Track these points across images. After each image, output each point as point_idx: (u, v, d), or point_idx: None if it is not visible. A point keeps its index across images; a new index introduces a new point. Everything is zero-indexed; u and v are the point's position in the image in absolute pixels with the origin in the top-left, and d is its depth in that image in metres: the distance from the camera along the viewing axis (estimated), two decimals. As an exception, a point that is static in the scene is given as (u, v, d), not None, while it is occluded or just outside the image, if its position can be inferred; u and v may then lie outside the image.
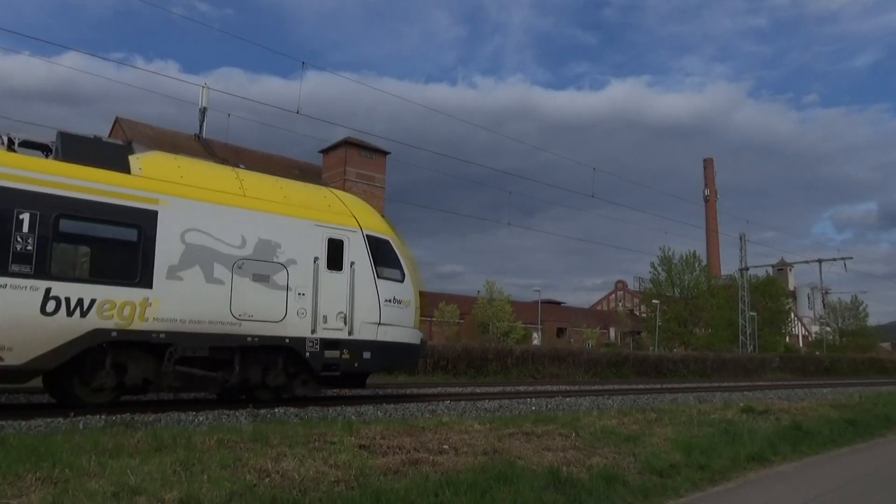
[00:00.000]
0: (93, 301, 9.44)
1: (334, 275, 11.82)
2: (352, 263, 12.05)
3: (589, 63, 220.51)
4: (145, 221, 10.07)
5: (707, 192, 56.89)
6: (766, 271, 65.59)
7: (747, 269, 53.86)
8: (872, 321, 78.56)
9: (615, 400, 14.99)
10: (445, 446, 7.00)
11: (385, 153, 47.84)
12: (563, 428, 8.67)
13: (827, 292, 73.58)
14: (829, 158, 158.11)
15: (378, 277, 12.36)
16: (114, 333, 9.61)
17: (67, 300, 9.25)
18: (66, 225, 9.55)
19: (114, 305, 9.61)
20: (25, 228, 9.09)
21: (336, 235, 12.02)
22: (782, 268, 71.99)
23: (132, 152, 10.77)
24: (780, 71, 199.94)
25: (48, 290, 9.11)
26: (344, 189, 47.02)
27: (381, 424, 8.19)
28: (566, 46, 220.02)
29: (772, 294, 62.87)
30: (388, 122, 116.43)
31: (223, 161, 39.09)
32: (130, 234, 10.03)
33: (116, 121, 42.79)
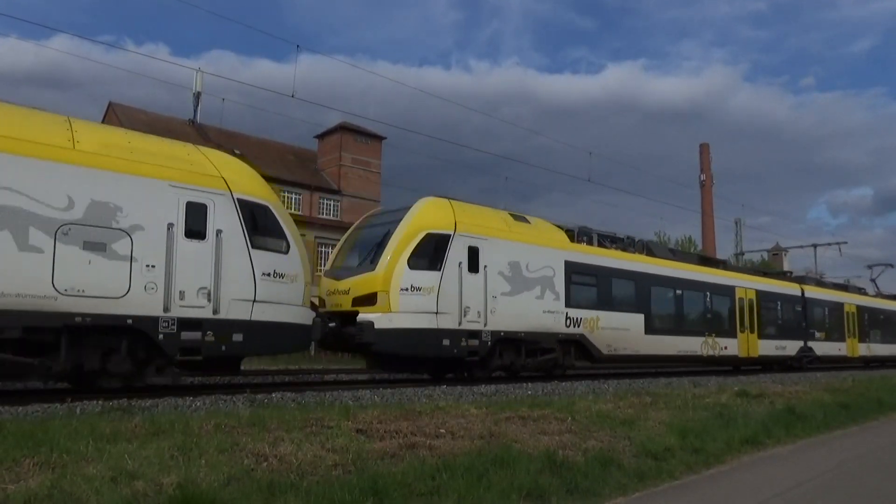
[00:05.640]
0: None
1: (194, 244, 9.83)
2: (218, 232, 10.11)
3: (586, 48, 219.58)
4: None
5: (703, 176, 56.70)
6: (762, 256, 65.78)
7: (742, 253, 54.06)
8: (866, 306, 78.89)
9: (611, 384, 15.05)
10: (442, 430, 7.03)
11: (381, 138, 47.57)
12: (558, 412, 8.71)
13: (822, 277, 73.79)
14: (825, 143, 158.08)
15: (253, 248, 10.46)
16: None
17: None
18: None
19: None
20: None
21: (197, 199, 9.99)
22: (777, 252, 72.05)
23: None
24: (777, 55, 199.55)
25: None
26: (340, 175, 46.97)
27: (377, 409, 8.20)
28: (564, 31, 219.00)
29: (767, 279, 62.90)
30: (382, 105, 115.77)
31: (217, 146, 38.91)
32: None
33: (110, 106, 42.36)
